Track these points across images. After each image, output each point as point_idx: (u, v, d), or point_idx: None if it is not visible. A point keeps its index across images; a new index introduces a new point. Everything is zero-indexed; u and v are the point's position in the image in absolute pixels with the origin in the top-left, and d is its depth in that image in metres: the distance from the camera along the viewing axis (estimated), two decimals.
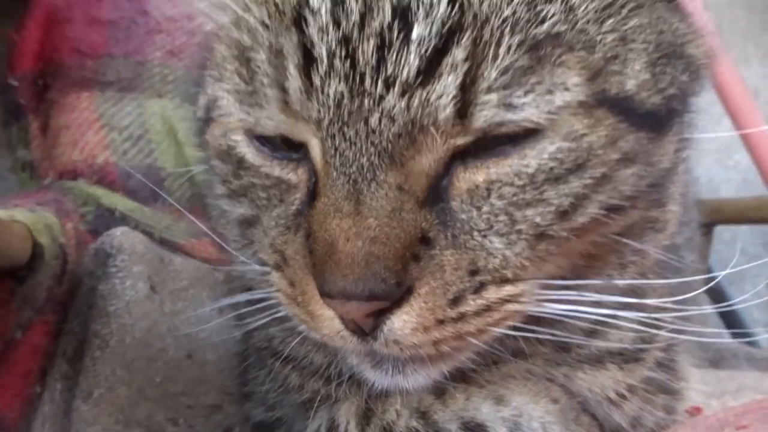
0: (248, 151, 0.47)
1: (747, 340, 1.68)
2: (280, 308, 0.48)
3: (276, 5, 0.44)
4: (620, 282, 0.50)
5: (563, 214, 0.43)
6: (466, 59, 0.40)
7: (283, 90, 0.43)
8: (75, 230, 1.02)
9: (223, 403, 0.91)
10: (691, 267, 0.99)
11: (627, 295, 0.49)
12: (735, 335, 1.90)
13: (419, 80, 0.40)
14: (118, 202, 1.13)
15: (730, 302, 1.64)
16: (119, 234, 0.99)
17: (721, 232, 2.03)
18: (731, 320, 1.83)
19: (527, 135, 0.42)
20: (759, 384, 0.91)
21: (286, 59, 0.42)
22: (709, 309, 0.53)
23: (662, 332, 0.54)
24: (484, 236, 0.42)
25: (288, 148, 0.46)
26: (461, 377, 0.50)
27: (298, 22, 0.42)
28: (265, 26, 0.43)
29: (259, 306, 0.51)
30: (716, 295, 1.80)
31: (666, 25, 0.46)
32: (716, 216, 1.50)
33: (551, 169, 0.42)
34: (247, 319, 0.53)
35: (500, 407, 0.51)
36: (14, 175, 1.23)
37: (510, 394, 0.52)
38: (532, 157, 0.42)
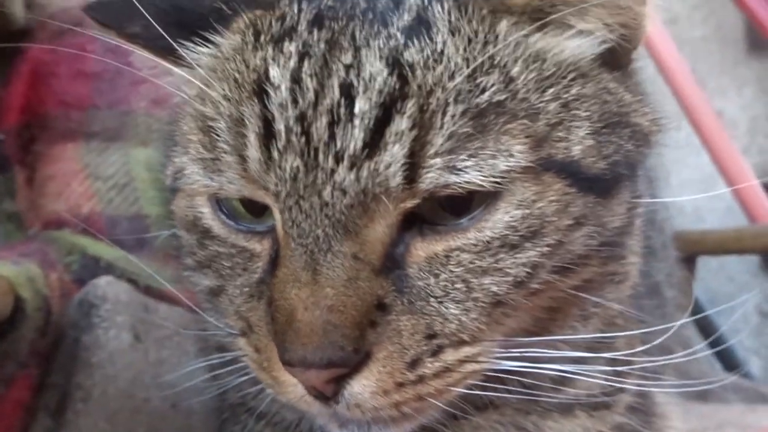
0: (214, 224, 0.49)
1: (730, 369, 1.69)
2: (249, 369, 0.49)
3: (236, 80, 0.46)
4: (583, 334, 0.51)
5: (519, 284, 0.44)
6: (413, 127, 0.42)
7: (243, 158, 0.45)
8: (59, 281, 1.03)
9: None
10: (670, 302, 1.00)
11: (594, 345, 0.51)
12: (725, 363, 1.90)
13: (366, 152, 0.42)
14: (103, 251, 1.14)
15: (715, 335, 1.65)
16: (104, 284, 1.00)
17: (708, 260, 2.06)
18: (720, 351, 1.84)
19: (483, 205, 0.44)
20: (741, 419, 0.92)
21: (247, 128, 0.45)
22: (676, 357, 0.54)
23: (629, 381, 0.55)
24: (440, 302, 0.44)
25: (251, 214, 0.48)
26: (428, 427, 0.51)
27: (259, 94, 0.45)
28: (227, 98, 0.46)
29: (232, 367, 0.52)
30: (705, 326, 1.81)
31: (610, 95, 0.49)
32: (698, 247, 1.53)
33: (506, 236, 0.44)
34: (221, 377, 0.54)
35: None
36: (0, 226, 1.24)
37: None
38: (489, 229, 0.44)
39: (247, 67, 0.47)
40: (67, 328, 0.97)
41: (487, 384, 0.47)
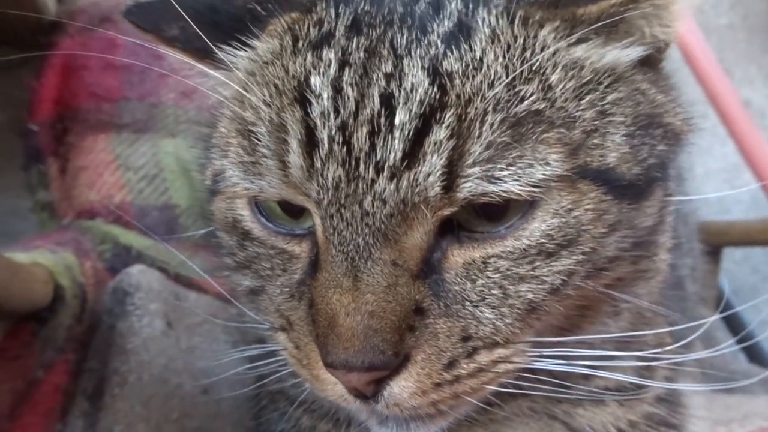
0: (254, 226, 0.51)
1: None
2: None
3: (276, 85, 0.47)
4: (614, 329, 0.52)
5: (554, 290, 0.45)
6: (451, 137, 0.42)
7: (284, 163, 0.46)
8: (93, 269, 1.05)
9: None
10: (693, 297, 1.00)
11: (625, 341, 0.51)
12: (751, 357, 1.89)
13: (405, 163, 0.43)
14: (134, 240, 1.16)
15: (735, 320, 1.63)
16: (136, 272, 1.03)
17: (733, 251, 2.03)
18: (744, 340, 1.83)
19: (520, 213, 0.44)
20: (767, 411, 0.92)
21: (289, 135, 0.45)
22: (702, 355, 0.54)
23: (660, 372, 0.55)
24: (476, 306, 0.45)
25: (289, 215, 0.49)
26: (466, 418, 0.52)
27: (301, 102, 0.45)
28: (267, 104, 0.47)
29: (272, 359, 0.54)
30: (729, 317, 1.79)
31: (643, 96, 0.49)
32: (723, 239, 1.51)
33: (543, 244, 0.44)
34: (261, 366, 0.56)
35: None
36: (34, 215, 1.27)
37: None
38: (526, 238, 0.45)
39: (287, 73, 0.47)
40: (102, 315, 1.00)
41: (520, 380, 0.48)
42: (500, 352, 0.46)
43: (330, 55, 0.46)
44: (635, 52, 0.49)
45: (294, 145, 0.45)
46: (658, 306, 0.58)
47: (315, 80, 0.45)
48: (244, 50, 0.51)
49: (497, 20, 0.46)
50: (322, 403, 0.58)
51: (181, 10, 0.49)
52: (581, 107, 0.46)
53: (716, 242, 1.49)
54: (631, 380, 0.52)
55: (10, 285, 0.76)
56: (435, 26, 0.46)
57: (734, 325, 1.81)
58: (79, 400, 0.91)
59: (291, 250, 0.49)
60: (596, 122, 0.46)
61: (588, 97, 0.46)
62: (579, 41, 0.47)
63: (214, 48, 0.50)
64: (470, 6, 0.47)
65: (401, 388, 0.44)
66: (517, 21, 0.46)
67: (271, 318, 0.51)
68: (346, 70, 0.45)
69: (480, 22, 0.46)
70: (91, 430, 0.89)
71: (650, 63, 0.51)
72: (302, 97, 0.45)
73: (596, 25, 0.46)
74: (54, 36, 1.28)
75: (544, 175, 0.43)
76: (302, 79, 0.46)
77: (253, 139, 0.47)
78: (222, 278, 1.13)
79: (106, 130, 1.27)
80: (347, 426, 0.58)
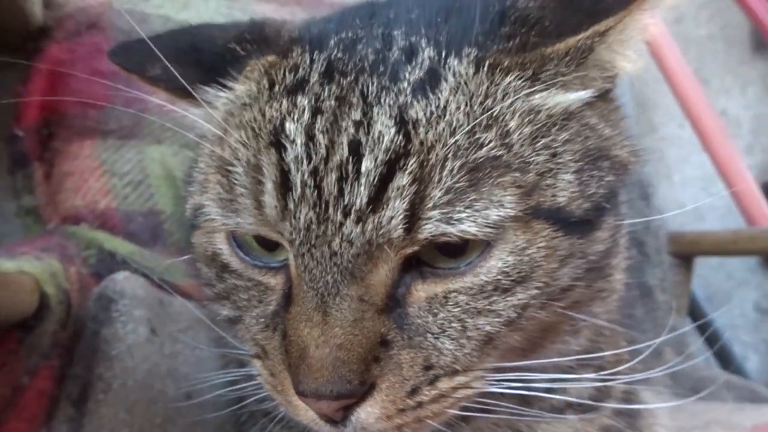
0: (232, 259, 0.53)
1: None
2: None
3: (253, 129, 0.49)
4: (574, 345, 0.55)
5: (510, 323, 0.48)
6: (413, 182, 0.45)
7: (259, 202, 0.48)
8: (78, 274, 1.07)
9: None
10: (663, 306, 1.04)
11: (582, 361, 0.55)
12: (721, 360, 1.94)
13: (370, 207, 0.45)
14: (119, 245, 1.18)
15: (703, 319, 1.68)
16: (121, 279, 1.04)
17: (708, 258, 2.08)
18: (716, 346, 1.88)
19: (478, 251, 0.47)
20: (728, 418, 0.96)
21: (264, 177, 0.48)
22: (659, 371, 0.58)
23: (617, 389, 0.59)
24: (437, 338, 0.48)
25: (264, 248, 0.51)
26: None
27: (276, 146, 0.48)
28: (244, 145, 0.49)
29: (254, 382, 0.56)
30: (702, 323, 1.84)
31: (592, 131, 0.51)
32: (695, 248, 1.56)
33: (499, 281, 0.47)
34: (242, 388, 0.58)
35: None
36: (19, 220, 1.28)
37: None
38: (484, 275, 0.47)
39: (264, 117, 0.49)
40: (87, 321, 1.01)
41: (481, 402, 0.51)
42: (460, 379, 0.48)
43: (304, 102, 0.48)
44: (586, 95, 0.51)
45: (269, 186, 0.47)
46: (616, 324, 0.61)
47: (289, 126, 0.48)
48: (224, 92, 0.53)
49: (466, 69, 0.48)
50: (297, 422, 0.61)
51: (160, 54, 0.51)
52: (535, 151, 0.48)
53: (688, 252, 1.53)
54: (586, 401, 0.55)
55: (1, 297, 0.78)
56: (407, 74, 0.48)
57: (706, 330, 1.86)
58: (64, 406, 0.93)
59: (266, 282, 0.52)
60: (548, 164, 0.48)
61: (542, 141, 0.48)
62: (540, 89, 0.49)
63: (191, 90, 0.52)
64: (443, 53, 0.49)
65: (368, 413, 0.47)
66: (483, 69, 0.48)
67: (248, 346, 0.53)
68: (318, 117, 0.47)
69: (448, 71, 0.48)
70: None
71: (601, 94, 0.54)
72: (278, 142, 0.48)
73: (565, 60, 0.49)
74: (41, 42, 1.29)
75: (498, 216, 0.46)
76: (278, 124, 0.48)
77: (231, 178, 0.49)
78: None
79: (92, 136, 1.28)
80: None
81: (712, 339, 1.91)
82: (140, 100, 1.31)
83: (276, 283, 0.51)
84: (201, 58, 0.53)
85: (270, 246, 0.51)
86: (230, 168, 0.50)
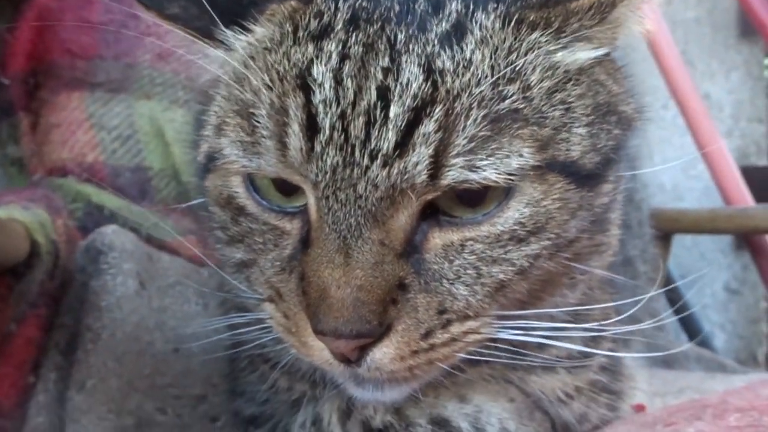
0: (248, 203, 0.53)
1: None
2: (272, 329, 0.55)
3: (278, 71, 0.50)
4: (572, 299, 0.57)
5: (522, 271, 0.50)
6: (438, 129, 0.46)
7: (283, 144, 0.49)
8: (65, 226, 1.06)
9: (209, 394, 0.97)
10: (643, 277, 1.07)
11: (575, 314, 0.57)
12: (691, 336, 2.01)
13: (397, 152, 0.46)
14: (107, 199, 1.17)
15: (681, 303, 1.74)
16: (110, 232, 1.04)
17: (683, 238, 2.14)
18: (687, 324, 1.95)
19: (496, 202, 0.49)
20: (700, 385, 1.00)
21: (290, 119, 0.48)
22: (644, 325, 0.61)
23: (605, 344, 0.61)
24: (452, 284, 0.50)
25: (281, 193, 0.52)
26: (431, 382, 0.57)
27: (303, 89, 0.48)
28: (268, 88, 0.49)
29: (253, 327, 0.57)
30: (675, 300, 1.90)
31: (601, 87, 0.53)
32: (674, 225, 1.60)
33: (515, 231, 0.49)
34: (243, 333, 0.59)
35: (463, 405, 0.59)
36: (3, 170, 1.26)
37: (472, 394, 0.59)
38: (501, 224, 0.49)
39: (289, 60, 0.50)
40: (75, 273, 1.01)
41: (483, 349, 0.53)
42: (470, 324, 0.50)
43: (331, 47, 0.49)
44: (602, 52, 0.53)
45: (295, 129, 0.48)
46: (606, 284, 0.64)
47: (317, 70, 0.48)
48: (244, 34, 0.53)
49: (492, 23, 0.49)
50: (299, 366, 0.63)
51: None
52: (552, 106, 0.49)
53: (667, 228, 1.57)
54: (580, 349, 0.57)
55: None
56: (434, 25, 0.49)
57: (679, 307, 1.92)
58: (52, 354, 0.93)
59: (282, 226, 0.52)
60: (563, 119, 0.50)
61: (558, 96, 0.50)
62: (562, 45, 0.51)
63: (214, 29, 0.52)
64: (470, 7, 0.50)
65: (383, 354, 0.49)
66: (509, 24, 0.50)
67: (261, 289, 0.54)
68: (346, 62, 0.48)
69: (475, 24, 0.49)
70: (63, 383, 0.91)
71: (607, 54, 0.55)
72: (305, 85, 0.48)
73: (588, 14, 0.50)
74: None
75: (518, 165, 0.47)
76: (304, 67, 0.49)
77: (253, 120, 0.49)
78: (199, 242, 1.15)
79: (80, 87, 1.26)
80: (323, 387, 0.62)
81: (684, 317, 1.97)
82: (130, 54, 1.31)
83: (292, 228, 0.52)
84: (219, 1, 0.53)
85: (287, 191, 0.52)
86: (252, 110, 0.50)
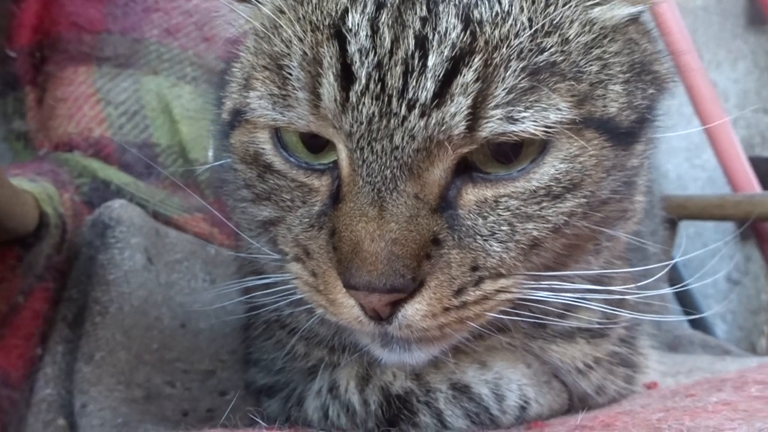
0: (276, 159, 0.53)
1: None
2: (292, 292, 0.54)
3: (310, 21, 0.49)
4: (595, 266, 0.56)
5: (556, 229, 0.50)
6: (477, 80, 0.45)
7: (317, 95, 0.48)
8: (71, 201, 1.06)
9: (217, 369, 0.96)
10: (653, 258, 1.07)
11: (597, 280, 0.56)
12: (693, 325, 2.01)
13: (435, 102, 0.46)
14: (114, 175, 1.16)
15: (684, 285, 1.73)
16: (117, 206, 1.03)
17: (687, 227, 2.14)
18: (691, 311, 1.95)
19: (531, 158, 0.48)
20: (711, 366, 1.00)
21: (325, 69, 0.47)
22: (667, 290, 0.60)
23: (624, 312, 0.61)
24: (486, 240, 0.49)
25: (309, 150, 0.51)
26: (452, 348, 0.56)
27: (338, 38, 0.47)
28: (300, 39, 0.48)
29: (271, 290, 0.56)
30: (677, 285, 1.90)
31: (636, 45, 0.53)
32: (681, 211, 1.59)
33: (551, 187, 0.49)
34: (258, 297, 0.58)
35: (483, 371, 0.58)
36: (8, 144, 1.25)
37: (492, 361, 0.59)
38: (536, 180, 0.49)
39: (322, 11, 0.49)
40: (82, 247, 1.00)
41: (510, 309, 0.52)
42: (503, 282, 0.50)
43: None
44: (637, 9, 0.53)
45: (330, 79, 0.47)
46: (626, 257, 0.63)
47: (353, 18, 0.47)
48: None
49: None
50: (317, 331, 0.62)
51: None
52: (589, 61, 0.49)
53: (674, 214, 1.57)
54: (604, 309, 0.57)
55: (13, 205, 0.76)
56: None
57: (682, 294, 1.92)
58: (60, 327, 0.93)
59: (311, 183, 0.52)
60: (600, 75, 0.49)
61: (595, 52, 0.49)
62: (599, 2, 0.50)
63: None
64: None
65: (415, 310, 0.48)
66: None
67: (287, 248, 0.53)
68: (383, 11, 0.47)
69: None
70: (71, 355, 0.90)
71: (638, 17, 0.55)
72: (339, 34, 0.47)
73: None
74: None
75: (557, 117, 0.47)
76: (338, 16, 0.48)
77: (284, 72, 0.49)
78: (205, 219, 1.13)
79: (87, 62, 1.25)
80: (341, 353, 0.62)
81: (688, 305, 1.97)
82: (138, 29, 1.30)
83: (321, 185, 0.51)
84: None
85: (316, 147, 0.51)
86: (283, 62, 0.49)
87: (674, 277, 1.92)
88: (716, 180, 1.81)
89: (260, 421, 0.59)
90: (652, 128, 0.56)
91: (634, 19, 0.53)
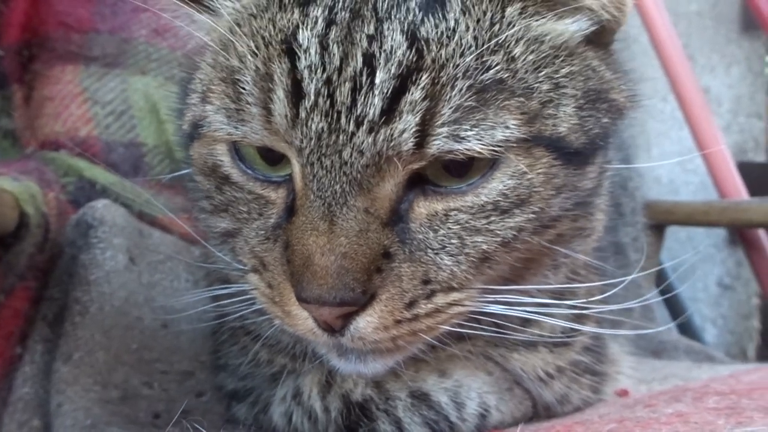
0: (233, 171, 0.53)
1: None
2: (255, 301, 0.54)
3: (263, 37, 0.49)
4: (553, 282, 0.57)
5: (505, 243, 0.50)
6: (425, 98, 0.46)
7: (269, 111, 0.48)
8: (56, 200, 1.06)
9: (196, 370, 0.96)
10: (634, 265, 1.07)
11: (559, 292, 0.57)
12: (682, 330, 2.02)
13: (383, 119, 0.46)
14: (100, 175, 1.16)
15: (672, 293, 1.74)
16: (101, 206, 1.04)
17: (677, 231, 2.14)
18: (678, 316, 1.95)
19: (481, 173, 0.49)
20: (687, 374, 1.00)
21: (276, 85, 0.48)
22: (652, 298, 0.61)
23: (584, 328, 0.62)
24: (437, 254, 0.50)
25: (267, 162, 0.52)
26: (412, 357, 0.57)
27: (289, 54, 0.48)
28: (253, 54, 0.49)
29: (236, 298, 0.57)
30: (666, 292, 1.91)
31: (593, 72, 0.53)
32: (668, 217, 1.60)
33: (499, 202, 0.49)
34: (224, 305, 0.59)
35: (443, 379, 0.59)
36: None
37: (452, 369, 0.60)
38: (485, 195, 0.49)
39: (275, 26, 0.49)
40: (65, 246, 1.01)
41: (466, 322, 0.53)
42: (455, 295, 0.50)
43: (317, 12, 0.49)
44: (586, 25, 0.53)
45: (281, 94, 0.47)
46: (590, 265, 0.64)
47: (303, 35, 0.48)
48: (230, 0, 0.53)
49: None
50: (280, 338, 0.63)
51: None
52: (539, 80, 0.49)
53: (661, 220, 1.57)
54: (564, 325, 0.57)
55: None
56: None
57: (671, 300, 1.92)
58: (40, 326, 0.93)
59: (267, 195, 0.52)
60: (551, 94, 0.50)
61: (545, 71, 0.50)
62: (539, 17, 0.51)
63: None
64: None
65: (366, 323, 0.49)
66: None
67: (245, 259, 0.54)
68: (332, 28, 0.48)
69: None
70: (50, 355, 0.91)
71: (601, 42, 0.55)
72: (290, 51, 0.48)
73: None
74: None
75: (503, 136, 0.47)
76: (290, 33, 0.48)
77: (238, 86, 0.49)
78: (190, 220, 1.14)
79: (75, 61, 1.25)
80: (303, 360, 0.62)
81: (676, 310, 1.98)
82: (126, 28, 1.30)
83: (277, 197, 0.52)
84: None
85: (273, 160, 0.52)
86: (238, 77, 0.50)
87: (663, 283, 1.93)
88: (708, 185, 1.81)
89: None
90: (607, 153, 0.56)
91: (594, 45, 0.54)
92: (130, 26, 1.30)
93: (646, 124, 2.30)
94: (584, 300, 0.58)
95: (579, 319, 0.61)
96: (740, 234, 1.66)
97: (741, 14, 2.29)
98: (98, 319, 0.93)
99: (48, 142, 1.20)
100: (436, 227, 0.49)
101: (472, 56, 0.47)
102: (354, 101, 0.46)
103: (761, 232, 1.58)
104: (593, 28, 0.53)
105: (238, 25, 0.51)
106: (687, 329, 2.07)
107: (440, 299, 0.50)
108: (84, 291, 0.95)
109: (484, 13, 0.49)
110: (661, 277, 1.90)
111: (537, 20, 0.51)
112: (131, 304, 0.99)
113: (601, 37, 0.55)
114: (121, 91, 1.27)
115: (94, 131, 1.23)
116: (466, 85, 0.47)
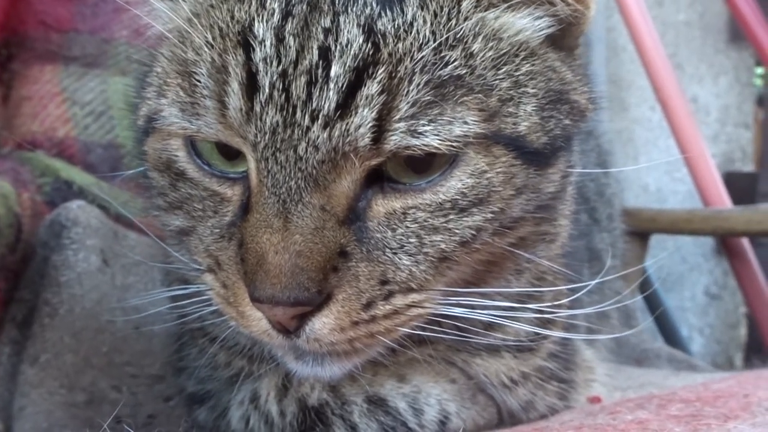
0: (189, 167, 0.52)
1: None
2: (212, 301, 0.53)
3: (220, 29, 0.48)
4: (515, 286, 0.56)
5: (464, 243, 0.49)
6: (382, 92, 0.45)
7: (223, 104, 0.47)
8: (31, 201, 1.05)
9: (166, 374, 0.95)
10: (610, 271, 1.07)
11: (523, 296, 0.56)
12: (668, 339, 2.01)
13: (338, 113, 0.45)
14: (77, 175, 1.15)
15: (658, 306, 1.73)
16: (75, 207, 1.02)
17: (665, 241, 2.14)
18: (664, 325, 1.94)
19: (440, 170, 0.48)
20: (663, 382, 1.00)
21: (230, 77, 0.47)
22: (606, 306, 0.60)
23: (549, 332, 0.61)
24: (395, 253, 0.48)
25: (224, 157, 0.51)
26: (371, 360, 0.56)
27: (244, 47, 0.47)
28: (209, 45, 0.48)
29: (195, 299, 0.56)
30: (652, 300, 1.90)
31: (554, 73, 0.53)
32: (651, 225, 1.60)
33: (457, 200, 0.48)
34: (183, 306, 0.58)
35: (401, 384, 0.58)
36: None
37: (411, 374, 0.59)
38: (443, 193, 0.48)
39: (232, 17, 0.48)
40: (37, 247, 1.00)
41: (427, 325, 0.52)
42: (414, 296, 0.49)
43: (274, 4, 0.48)
44: (545, 23, 0.53)
45: (235, 87, 0.46)
46: (556, 271, 0.63)
47: (259, 27, 0.47)
48: None
49: None
50: (238, 340, 0.61)
51: None
52: (498, 77, 0.49)
53: (645, 228, 1.57)
54: (529, 329, 0.56)
55: None
56: None
57: (656, 308, 1.92)
58: (8, 327, 0.92)
59: (223, 192, 0.51)
60: (511, 92, 0.49)
61: (505, 68, 0.49)
62: (494, 9, 0.51)
63: None
64: None
65: (322, 324, 0.47)
66: None
67: (200, 258, 0.53)
68: (289, 20, 0.47)
69: None
70: (17, 357, 0.89)
71: (563, 45, 0.55)
72: (246, 42, 0.47)
73: None
74: None
75: (461, 132, 0.46)
76: (246, 25, 0.47)
77: (194, 79, 0.48)
78: (151, 218, 1.13)
79: (54, 61, 1.24)
80: (260, 362, 0.61)
81: (663, 319, 1.97)
82: (107, 29, 1.29)
83: (233, 194, 0.51)
84: None
85: (230, 156, 0.51)
86: (193, 69, 0.49)
87: (647, 290, 1.92)
88: (696, 194, 1.82)
89: None
90: (570, 157, 0.56)
91: (556, 48, 0.54)
92: (111, 27, 1.29)
93: (634, 133, 2.30)
94: (549, 305, 0.57)
95: (545, 324, 0.60)
96: (724, 243, 1.66)
97: (728, 24, 2.31)
98: (68, 321, 0.92)
99: (25, 142, 1.19)
100: (395, 226, 0.48)
101: (429, 50, 0.46)
102: (310, 95, 0.45)
103: (745, 242, 1.58)
104: (554, 28, 0.53)
105: (197, 15, 0.50)
106: (674, 338, 2.06)
107: (399, 300, 0.49)
108: (54, 292, 0.94)
109: (441, 8, 0.49)
110: (646, 285, 1.89)
111: (492, 12, 0.50)
112: (103, 307, 0.98)
113: (564, 40, 0.55)
114: (100, 91, 1.26)
115: (73, 132, 1.22)
116: (424, 80, 0.46)
